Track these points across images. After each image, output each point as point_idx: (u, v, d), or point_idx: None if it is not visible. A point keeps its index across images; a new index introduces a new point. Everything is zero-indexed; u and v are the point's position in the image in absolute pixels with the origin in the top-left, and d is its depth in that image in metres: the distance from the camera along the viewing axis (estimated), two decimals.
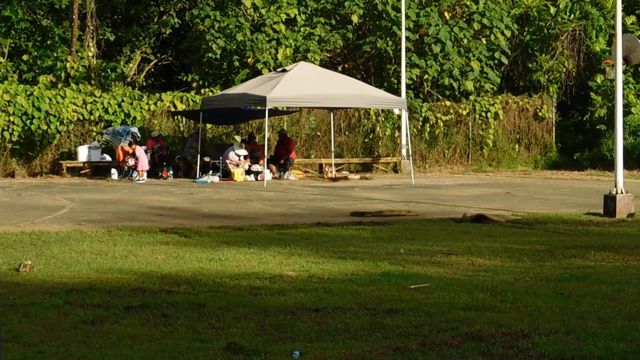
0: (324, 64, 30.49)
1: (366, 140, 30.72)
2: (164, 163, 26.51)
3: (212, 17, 30.75)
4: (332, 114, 28.88)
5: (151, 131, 27.76)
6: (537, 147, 32.41)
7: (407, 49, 30.29)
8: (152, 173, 25.99)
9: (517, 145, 32.14)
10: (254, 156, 26.43)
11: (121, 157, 25.77)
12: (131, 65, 34.91)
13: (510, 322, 6.92)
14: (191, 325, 6.86)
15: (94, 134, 27.92)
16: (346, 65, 32.54)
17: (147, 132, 27.72)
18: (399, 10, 29.91)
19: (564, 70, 32.55)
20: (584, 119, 32.50)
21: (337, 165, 28.87)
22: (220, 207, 17.32)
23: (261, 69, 29.65)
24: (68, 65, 30.76)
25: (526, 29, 33.25)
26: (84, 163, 27.01)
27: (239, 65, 30.77)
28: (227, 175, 25.50)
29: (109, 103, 28.12)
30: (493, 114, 31.51)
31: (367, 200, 18.96)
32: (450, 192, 21.03)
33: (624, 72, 28.39)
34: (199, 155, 25.66)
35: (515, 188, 22.41)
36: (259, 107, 24.98)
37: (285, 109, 28.28)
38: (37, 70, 31.77)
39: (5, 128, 26.95)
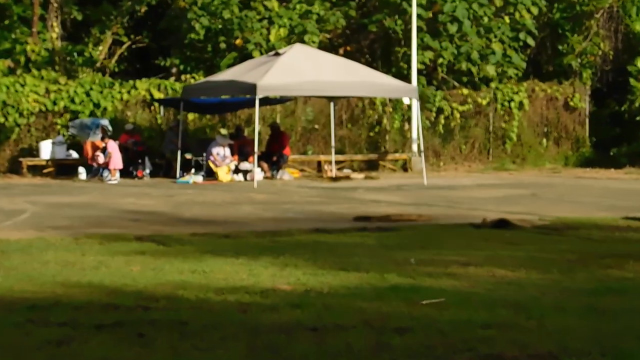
0: (323, 47, 30.52)
1: (371, 134, 30.76)
2: (140, 160, 26.53)
3: None
4: (332, 103, 28.92)
5: (124, 124, 27.79)
6: (568, 142, 32.46)
7: (419, 29, 30.32)
8: (126, 172, 26.02)
9: (544, 140, 32.18)
10: (243, 152, 26.47)
11: (90, 154, 25.79)
12: (101, 48, 34.89)
13: (536, 342, 6.95)
14: (171, 346, 6.89)
15: (59, 127, 27.96)
16: (348, 48, 32.57)
17: (119, 124, 27.75)
18: None
19: (599, 53, 32.58)
20: (622, 109, 32.53)
21: (338, 162, 28.91)
22: (204, 211, 17.35)
23: (251, 52, 29.68)
24: (28, 48, 30.78)
25: (556, 5, 33.29)
26: (47, 161, 27.04)
27: (225, 48, 30.80)
28: (211, 174, 25.54)
29: (75, 92, 28.14)
30: (517, 104, 31.55)
31: (373, 202, 18.99)
32: (467, 194, 21.07)
33: None
34: (179, 152, 25.68)
35: (543, 189, 22.45)
36: (247, 96, 24.99)
37: (278, 98, 28.30)
38: None
39: None
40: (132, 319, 7.72)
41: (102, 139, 25.56)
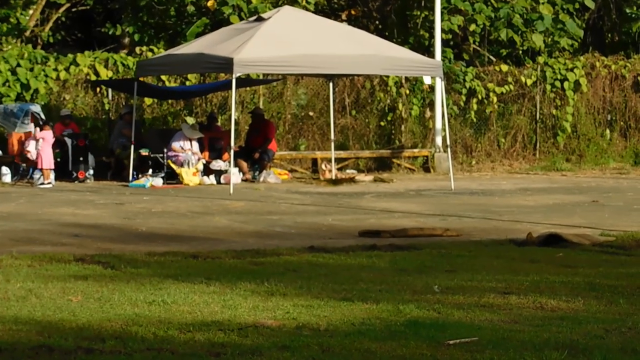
0: (319, 10, 30.51)
1: (382, 123, 30.73)
2: (81, 158, 26.49)
3: None
4: (331, 84, 28.91)
5: (60, 110, 27.73)
6: (638, 134, 32.45)
7: None
8: (64, 173, 25.97)
9: (607, 131, 32.17)
10: (215, 148, 26.45)
11: (17, 150, 25.74)
12: (31, 12, 34.87)
13: None
14: None
15: None
16: (353, 12, 32.58)
17: (55, 112, 27.69)
18: None
19: None
20: None
21: (339, 160, 28.89)
22: (165, 223, 17.33)
23: (228, 17, 29.64)
24: None
25: None
26: None
27: (193, 12, 30.77)
28: (174, 176, 25.51)
29: None
30: (572, 84, 31.53)
31: (384, 212, 18.98)
32: (508, 201, 21.07)
33: None
34: (132, 147, 25.65)
35: (606, 195, 22.46)
36: (221, 76, 24.98)
37: (261, 78, 28.25)
38: None
39: None
40: None
41: (40, 128, 25.34)
